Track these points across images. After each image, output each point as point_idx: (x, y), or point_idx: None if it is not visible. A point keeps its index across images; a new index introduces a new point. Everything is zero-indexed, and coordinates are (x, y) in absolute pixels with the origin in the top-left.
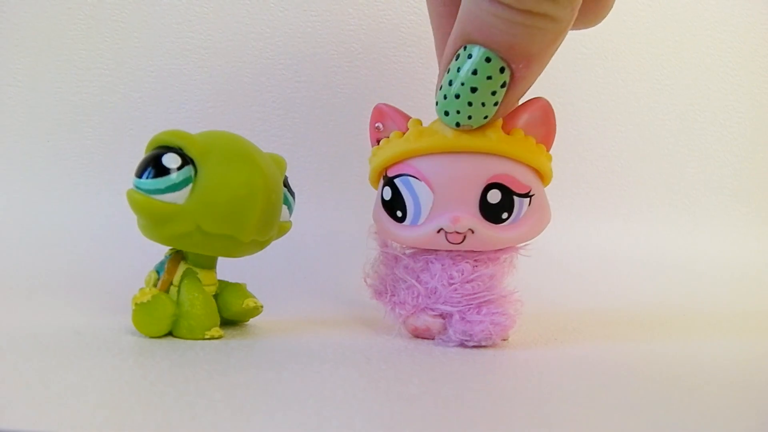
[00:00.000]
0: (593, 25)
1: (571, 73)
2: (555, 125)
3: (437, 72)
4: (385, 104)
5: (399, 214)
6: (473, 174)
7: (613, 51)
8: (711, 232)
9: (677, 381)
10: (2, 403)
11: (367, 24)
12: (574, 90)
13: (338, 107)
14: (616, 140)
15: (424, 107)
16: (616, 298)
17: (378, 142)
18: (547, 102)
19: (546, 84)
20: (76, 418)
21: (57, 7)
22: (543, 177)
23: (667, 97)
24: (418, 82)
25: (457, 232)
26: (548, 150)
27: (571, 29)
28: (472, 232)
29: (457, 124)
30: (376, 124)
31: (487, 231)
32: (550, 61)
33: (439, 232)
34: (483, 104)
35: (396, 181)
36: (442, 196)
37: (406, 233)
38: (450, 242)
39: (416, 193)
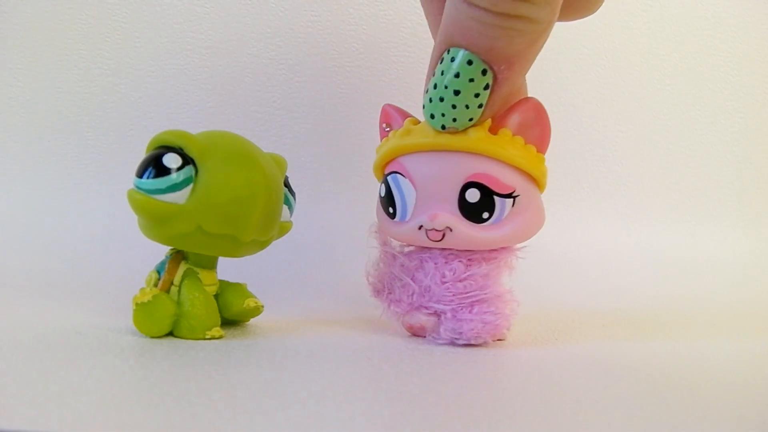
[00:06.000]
0: (590, 14)
1: (570, 73)
2: (549, 124)
3: None
4: (390, 105)
5: (391, 210)
6: (452, 172)
7: (613, 51)
8: (711, 232)
9: (677, 381)
10: (2, 403)
11: (367, 24)
12: (574, 90)
13: (338, 107)
14: (616, 140)
15: None
16: (616, 297)
17: None
18: (538, 101)
19: (546, 84)
20: (76, 418)
21: (57, 6)
22: (534, 179)
23: (667, 97)
24: (418, 81)
25: (435, 230)
26: (545, 149)
27: (567, 21)
28: (451, 230)
29: (443, 127)
30: (383, 125)
31: (466, 230)
32: (552, 62)
33: (420, 228)
34: (467, 106)
35: (388, 178)
36: (424, 193)
37: (396, 229)
38: (430, 239)
39: (402, 190)
